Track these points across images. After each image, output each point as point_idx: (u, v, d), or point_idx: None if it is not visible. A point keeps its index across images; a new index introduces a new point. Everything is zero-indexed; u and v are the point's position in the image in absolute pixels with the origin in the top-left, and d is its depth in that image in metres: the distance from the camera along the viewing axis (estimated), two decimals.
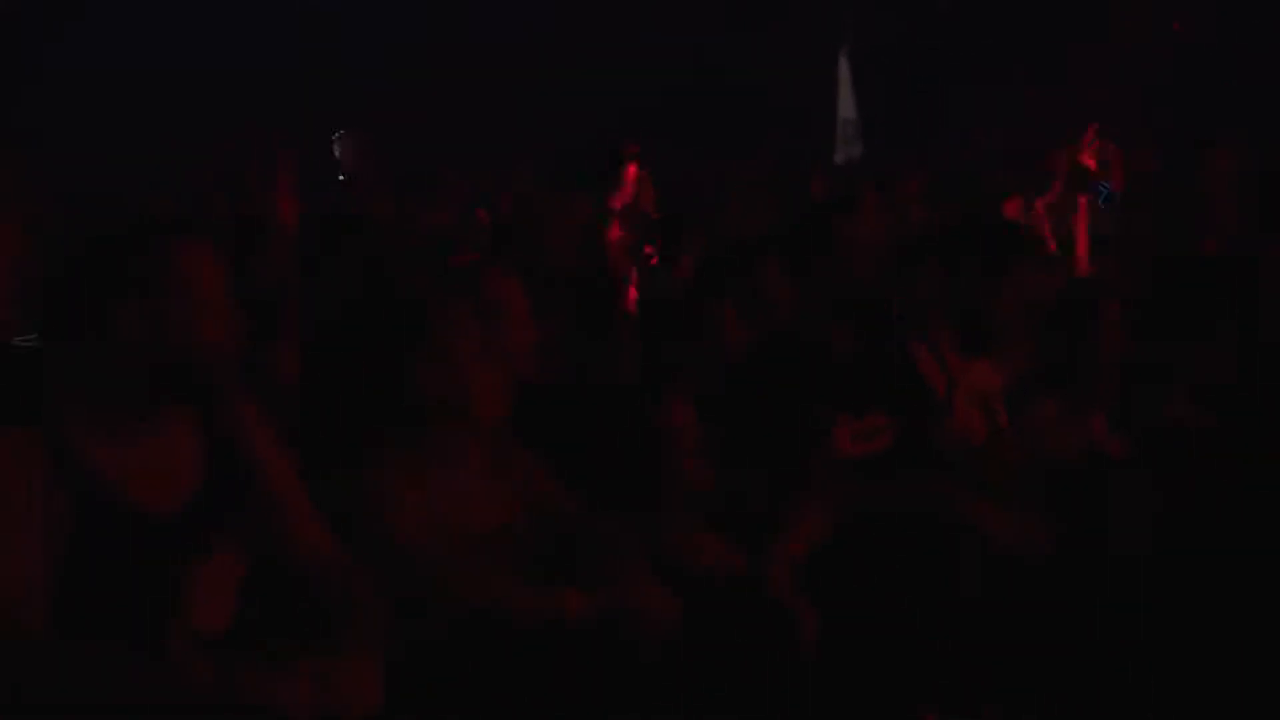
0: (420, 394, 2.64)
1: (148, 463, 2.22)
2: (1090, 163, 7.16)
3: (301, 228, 3.63)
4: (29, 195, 3.67)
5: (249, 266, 3.37)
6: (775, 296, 3.46)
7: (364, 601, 2.30)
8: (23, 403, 2.18)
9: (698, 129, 11.24)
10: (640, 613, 2.59)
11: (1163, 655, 2.98)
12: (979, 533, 3.10)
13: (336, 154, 8.64)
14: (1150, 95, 10.29)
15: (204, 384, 2.25)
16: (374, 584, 2.33)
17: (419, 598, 2.45)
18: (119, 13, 10.89)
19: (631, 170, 7.51)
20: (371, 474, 2.58)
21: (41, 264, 2.87)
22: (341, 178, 8.85)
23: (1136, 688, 2.95)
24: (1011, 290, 3.40)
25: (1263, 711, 2.95)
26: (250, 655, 2.13)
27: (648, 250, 5.88)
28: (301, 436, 2.65)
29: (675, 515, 3.01)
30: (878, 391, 3.30)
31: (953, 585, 3.02)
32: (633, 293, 5.31)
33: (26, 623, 2.06)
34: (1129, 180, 7.00)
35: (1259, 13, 10.33)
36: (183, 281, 2.19)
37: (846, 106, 12.88)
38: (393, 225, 6.04)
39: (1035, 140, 7.55)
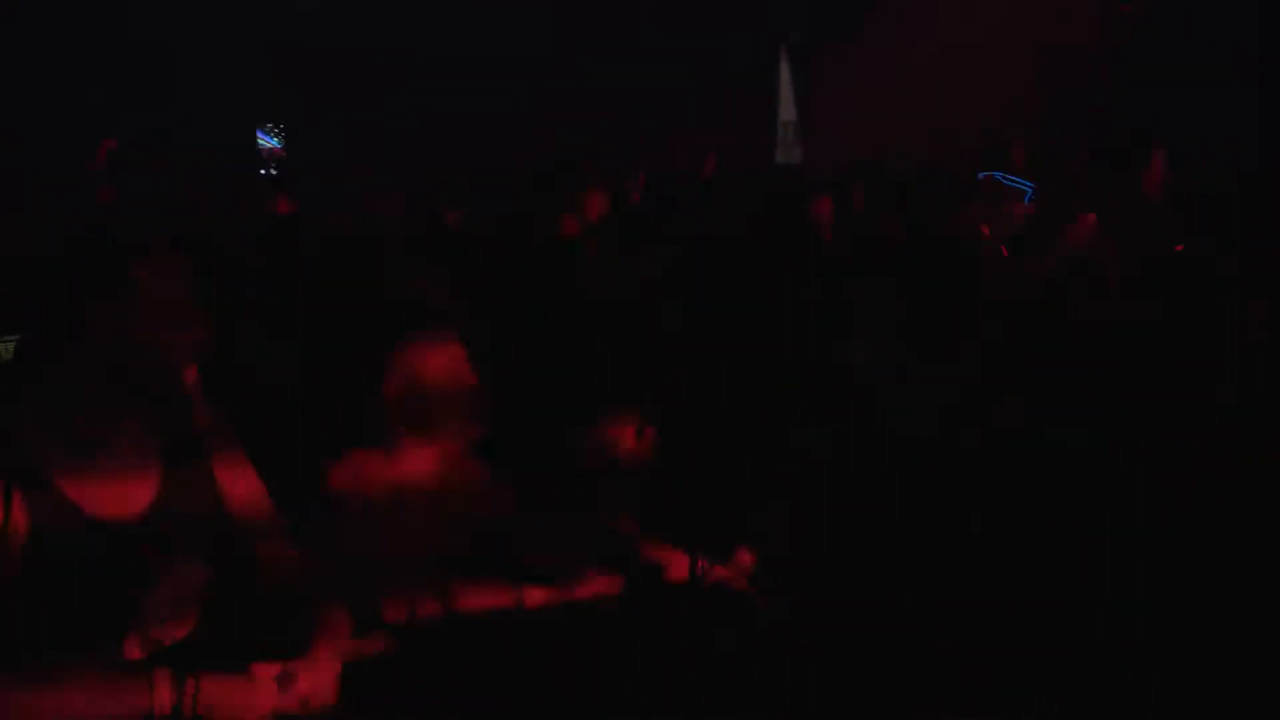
0: (387, 407, 2.65)
1: (108, 474, 2.20)
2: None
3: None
4: None
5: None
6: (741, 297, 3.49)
7: (326, 607, 2.30)
8: None
9: (661, 127, 11.26)
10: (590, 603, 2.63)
11: (1163, 655, 2.96)
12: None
13: (263, 148, 8.66)
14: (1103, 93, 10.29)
15: (166, 396, 2.24)
16: (336, 589, 2.33)
17: (379, 600, 2.46)
18: (114, 15, 10.86)
19: (596, 198, 7.42)
20: (336, 479, 2.59)
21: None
22: (265, 172, 8.82)
23: (1136, 688, 2.93)
24: (955, 297, 3.44)
25: (1263, 711, 2.93)
26: (210, 662, 2.12)
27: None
28: (284, 438, 2.64)
29: (616, 516, 3.03)
30: (815, 394, 3.33)
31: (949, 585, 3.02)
32: None
33: None
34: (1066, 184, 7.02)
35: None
36: (145, 297, 2.18)
37: (786, 109, 12.90)
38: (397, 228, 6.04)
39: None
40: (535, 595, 2.67)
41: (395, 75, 11.17)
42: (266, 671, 2.14)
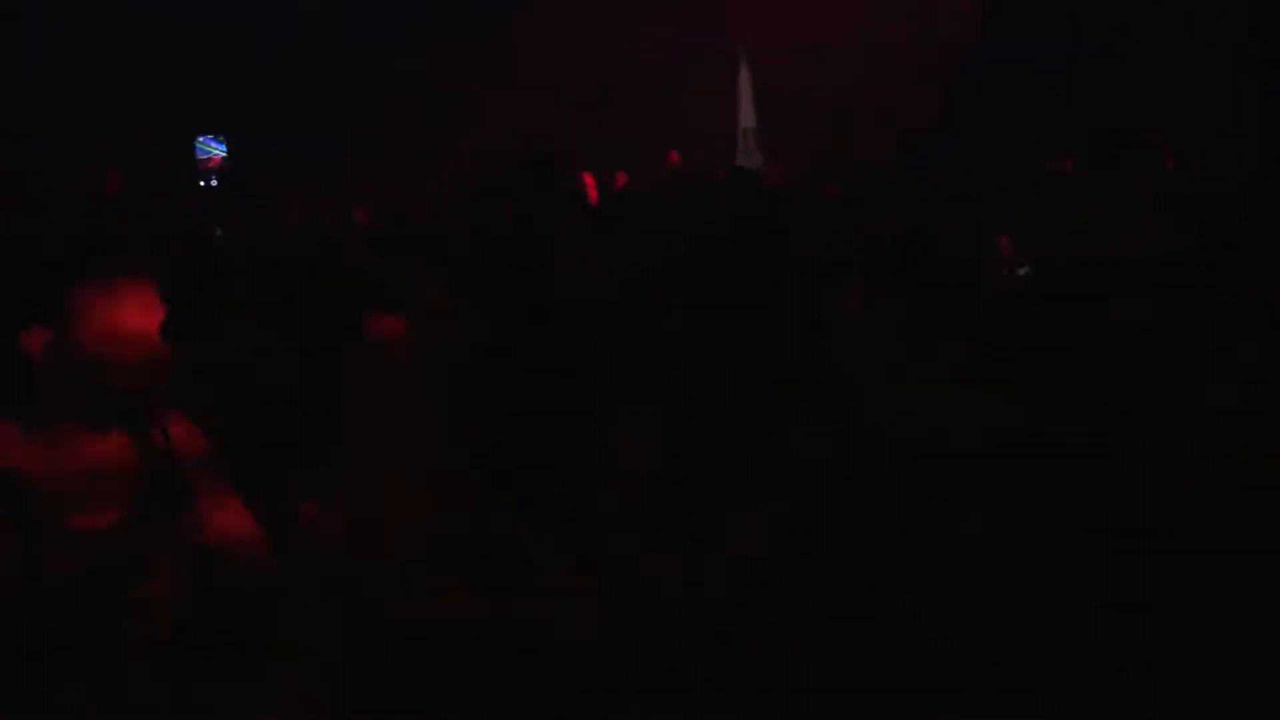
0: (379, 398, 2.65)
1: (95, 477, 2.20)
2: None
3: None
4: None
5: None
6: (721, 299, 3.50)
7: (315, 608, 2.30)
8: None
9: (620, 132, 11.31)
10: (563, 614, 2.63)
11: (1163, 655, 2.96)
12: None
13: (202, 158, 8.76)
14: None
15: (136, 400, 2.23)
16: (324, 589, 2.33)
17: (369, 599, 2.46)
18: (114, 15, 10.88)
19: (589, 177, 7.48)
20: (323, 475, 2.59)
21: None
22: (205, 183, 8.89)
23: (1136, 688, 2.93)
24: (943, 299, 3.44)
25: (1263, 711, 2.92)
26: (204, 665, 2.12)
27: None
28: (283, 437, 2.64)
29: (614, 516, 3.04)
30: (811, 394, 3.33)
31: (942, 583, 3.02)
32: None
33: None
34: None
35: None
36: (119, 302, 2.18)
37: (746, 116, 13.02)
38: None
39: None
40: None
41: (385, 78, 11.19)
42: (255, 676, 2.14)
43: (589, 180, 7.74)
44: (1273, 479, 3.15)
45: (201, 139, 11.50)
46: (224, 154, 11.56)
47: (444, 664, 2.38)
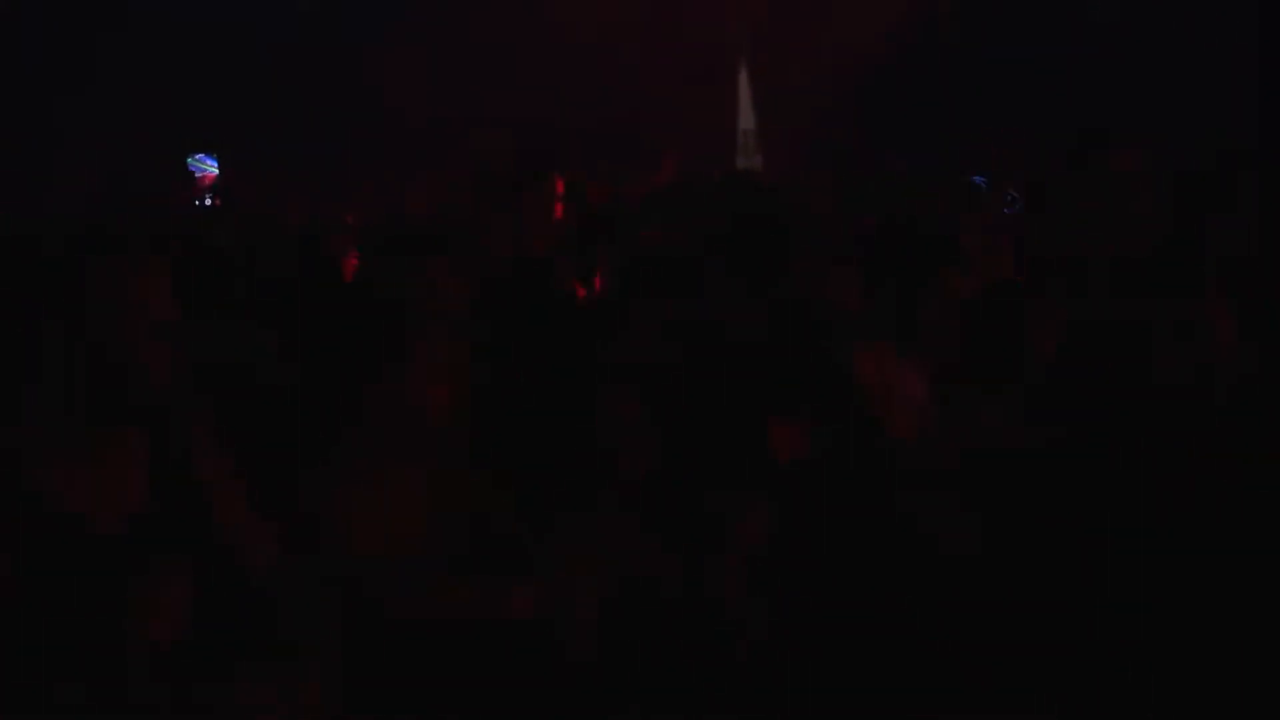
0: (379, 399, 2.65)
1: (96, 477, 2.20)
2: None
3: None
4: None
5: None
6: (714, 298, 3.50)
7: (316, 608, 2.29)
8: None
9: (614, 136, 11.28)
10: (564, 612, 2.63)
11: (1163, 655, 2.95)
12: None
13: (196, 174, 8.76)
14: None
15: (151, 398, 2.23)
16: (325, 588, 2.33)
17: (370, 599, 2.45)
18: (114, 15, 10.86)
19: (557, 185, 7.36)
20: (324, 475, 2.59)
21: None
22: (198, 201, 8.90)
23: (1136, 688, 2.93)
24: (939, 293, 3.43)
25: (1263, 711, 2.92)
26: (205, 665, 2.12)
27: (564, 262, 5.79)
28: (268, 436, 2.64)
29: (614, 516, 3.03)
30: (811, 394, 3.33)
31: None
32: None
33: None
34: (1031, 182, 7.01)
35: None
36: (122, 301, 2.18)
37: (746, 117, 13.02)
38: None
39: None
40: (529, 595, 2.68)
41: (385, 78, 11.17)
42: (263, 674, 2.14)
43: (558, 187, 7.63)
44: (1273, 479, 3.14)
45: (194, 156, 11.42)
46: (217, 171, 11.49)
47: (444, 664, 2.38)
